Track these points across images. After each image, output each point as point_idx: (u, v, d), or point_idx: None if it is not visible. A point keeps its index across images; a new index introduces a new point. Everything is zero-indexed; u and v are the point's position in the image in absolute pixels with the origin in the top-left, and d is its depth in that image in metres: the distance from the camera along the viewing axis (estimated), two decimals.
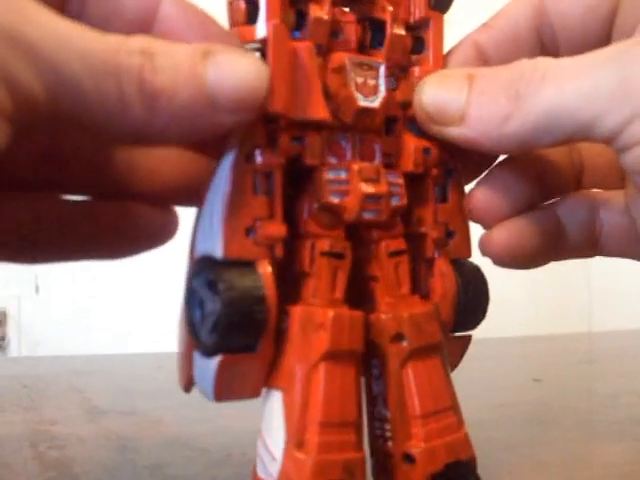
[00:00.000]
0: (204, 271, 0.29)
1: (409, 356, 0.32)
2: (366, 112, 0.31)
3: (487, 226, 0.35)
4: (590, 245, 0.37)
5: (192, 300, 0.29)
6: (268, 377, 0.31)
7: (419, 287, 0.34)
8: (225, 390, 0.30)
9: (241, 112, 0.28)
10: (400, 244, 0.33)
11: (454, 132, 0.32)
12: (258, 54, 0.30)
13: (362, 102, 0.31)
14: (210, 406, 0.31)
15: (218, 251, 0.29)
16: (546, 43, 0.36)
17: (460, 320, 0.35)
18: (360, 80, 0.31)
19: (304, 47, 0.30)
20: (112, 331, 0.90)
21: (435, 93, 0.32)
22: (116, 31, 0.27)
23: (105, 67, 0.25)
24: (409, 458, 0.31)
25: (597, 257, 0.38)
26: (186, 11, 0.31)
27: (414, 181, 0.34)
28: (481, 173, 0.36)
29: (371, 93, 0.31)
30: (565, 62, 0.31)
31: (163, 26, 0.30)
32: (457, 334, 0.35)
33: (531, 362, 0.72)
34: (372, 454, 0.33)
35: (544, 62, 0.31)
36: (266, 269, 0.29)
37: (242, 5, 0.30)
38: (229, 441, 0.50)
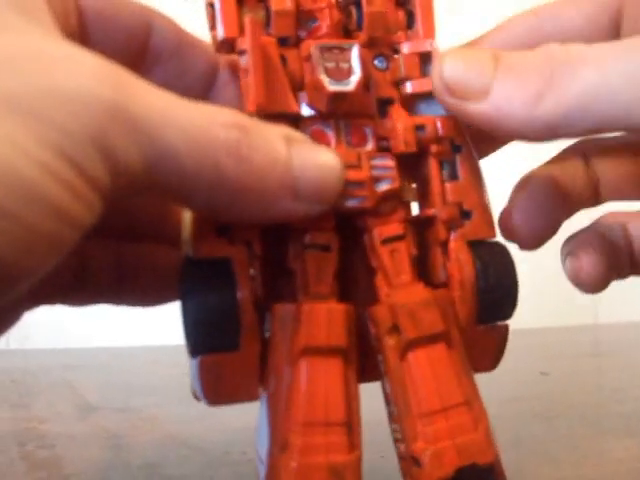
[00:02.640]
0: (183, 273, 0.30)
1: (406, 348, 0.30)
2: (340, 97, 0.30)
3: (525, 246, 0.35)
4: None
5: (182, 303, 0.30)
6: (262, 378, 0.30)
7: (437, 274, 0.32)
8: (215, 392, 0.30)
9: (319, 204, 0.28)
10: (395, 229, 0.31)
11: (475, 107, 0.30)
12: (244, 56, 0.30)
13: (332, 87, 0.30)
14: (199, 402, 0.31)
15: (190, 251, 0.29)
16: None
17: (485, 309, 0.32)
18: (331, 65, 0.30)
19: (268, 42, 0.30)
20: (106, 323, 0.89)
21: (459, 64, 0.30)
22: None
23: (202, 139, 0.25)
24: (416, 461, 0.30)
25: None
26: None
27: (419, 161, 0.33)
28: (493, 150, 0.36)
29: (344, 76, 0.30)
30: (601, 45, 0.29)
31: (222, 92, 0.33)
32: (487, 325, 0.33)
33: (537, 355, 0.72)
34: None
35: (576, 46, 0.29)
36: (239, 268, 0.29)
37: (209, 10, 0.31)
38: (227, 439, 0.49)
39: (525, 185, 0.35)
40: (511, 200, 0.34)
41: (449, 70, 0.30)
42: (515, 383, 0.61)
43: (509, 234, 0.34)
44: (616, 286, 0.35)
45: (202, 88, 0.34)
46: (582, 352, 0.76)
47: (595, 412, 0.55)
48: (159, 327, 0.85)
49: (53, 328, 0.86)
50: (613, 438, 0.48)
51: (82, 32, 0.30)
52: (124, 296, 0.38)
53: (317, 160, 0.28)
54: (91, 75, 0.23)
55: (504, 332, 0.33)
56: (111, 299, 0.38)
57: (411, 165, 0.32)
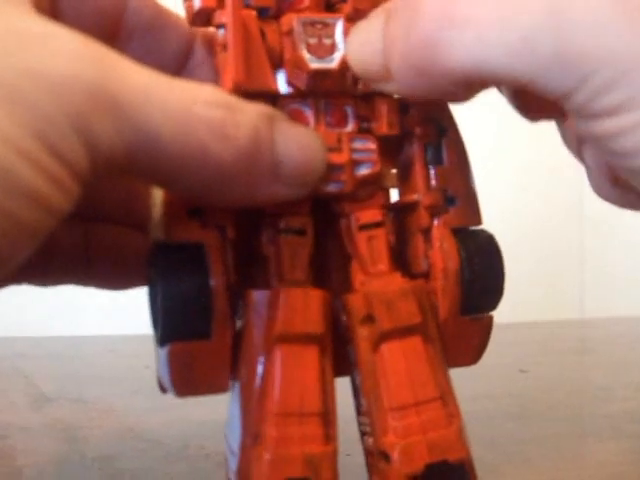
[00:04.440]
0: (153, 258, 0.29)
1: (380, 339, 0.31)
2: (322, 74, 0.30)
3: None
4: None
5: (150, 289, 0.30)
6: (233, 369, 0.30)
7: (418, 263, 0.33)
8: (184, 383, 0.30)
9: (301, 187, 0.29)
10: (374, 216, 0.32)
11: (390, 88, 0.29)
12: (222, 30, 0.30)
13: (314, 64, 0.30)
14: (165, 394, 0.31)
15: (161, 234, 0.29)
16: None
17: (470, 300, 0.32)
18: (313, 41, 0.30)
19: (247, 15, 0.30)
20: (61, 311, 0.89)
21: (357, 47, 0.29)
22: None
23: (184, 119, 0.25)
24: (385, 456, 0.30)
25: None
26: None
27: (403, 144, 0.33)
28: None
29: (327, 53, 0.30)
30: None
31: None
32: (472, 316, 0.33)
33: (517, 351, 0.72)
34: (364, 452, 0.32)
35: None
36: (212, 253, 0.29)
37: None
38: (186, 432, 0.50)
39: None
40: None
41: (351, 57, 0.30)
42: (491, 379, 0.60)
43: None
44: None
45: (176, 65, 0.34)
46: (566, 348, 0.76)
47: (577, 412, 0.55)
48: (117, 316, 0.85)
49: (7, 316, 0.86)
50: (596, 440, 0.48)
51: (54, 6, 0.30)
52: (91, 278, 0.38)
53: (300, 141, 0.28)
54: (71, 54, 0.23)
55: (488, 324, 0.33)
56: (78, 280, 0.38)
57: (392, 148, 0.32)
